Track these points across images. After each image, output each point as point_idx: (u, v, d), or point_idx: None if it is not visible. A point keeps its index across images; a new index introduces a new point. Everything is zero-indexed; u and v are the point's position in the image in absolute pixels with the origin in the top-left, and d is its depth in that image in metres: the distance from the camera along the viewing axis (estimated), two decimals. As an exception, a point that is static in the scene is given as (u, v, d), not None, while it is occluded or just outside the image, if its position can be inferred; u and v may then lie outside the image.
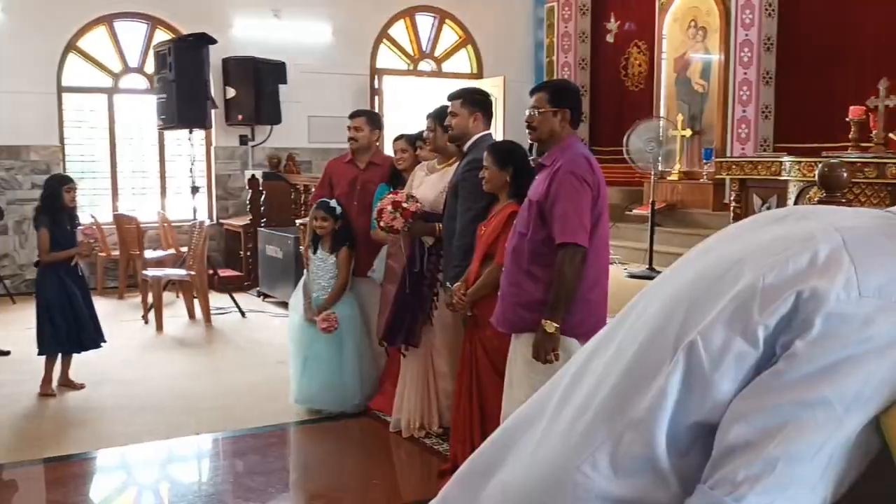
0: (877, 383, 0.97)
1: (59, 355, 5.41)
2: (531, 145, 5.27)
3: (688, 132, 9.18)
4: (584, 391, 1.15)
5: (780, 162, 6.35)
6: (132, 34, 9.59)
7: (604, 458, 1.06)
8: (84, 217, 7.97)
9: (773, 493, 0.95)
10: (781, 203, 6.19)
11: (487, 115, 4.22)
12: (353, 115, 5.29)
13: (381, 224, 4.32)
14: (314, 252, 4.98)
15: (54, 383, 5.40)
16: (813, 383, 0.96)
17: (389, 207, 4.29)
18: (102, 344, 5.55)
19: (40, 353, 5.36)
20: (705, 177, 8.95)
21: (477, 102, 4.17)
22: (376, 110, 10.43)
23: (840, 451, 0.98)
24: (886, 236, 1.06)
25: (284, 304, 8.01)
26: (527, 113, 3.43)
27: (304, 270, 5.16)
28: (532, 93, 3.46)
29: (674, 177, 9.28)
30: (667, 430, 1.03)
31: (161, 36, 9.44)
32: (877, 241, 1.04)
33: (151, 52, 9.05)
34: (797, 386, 0.97)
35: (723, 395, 1.02)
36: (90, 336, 5.44)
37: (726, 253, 1.12)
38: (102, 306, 7.76)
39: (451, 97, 4.22)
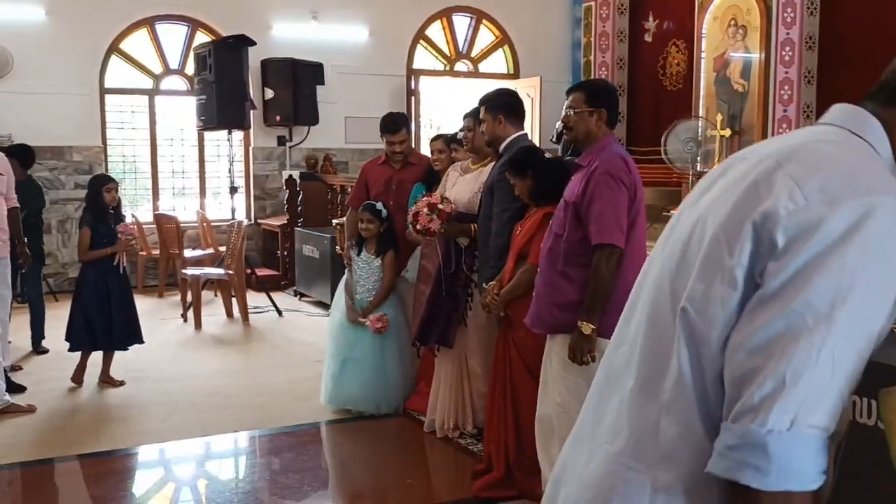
0: (850, 272, 0.99)
1: (94, 351, 5.50)
2: (564, 144, 5.26)
3: (727, 132, 9.05)
4: (614, 395, 1.20)
5: (822, 162, 6.25)
6: (173, 36, 9.73)
7: (648, 449, 1.11)
8: (126, 217, 8.10)
9: (792, 406, 0.98)
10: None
11: (513, 115, 4.14)
12: (394, 130, 5.11)
13: (418, 227, 4.30)
14: (358, 254, 5.00)
15: (92, 379, 5.49)
16: (790, 291, 1.00)
17: (426, 210, 4.27)
18: (131, 346, 5.61)
19: (70, 349, 5.48)
20: (745, 177, 8.84)
21: (498, 105, 4.12)
22: (412, 111, 10.47)
23: (843, 346, 1.00)
24: (817, 142, 1.11)
25: (321, 304, 8.07)
26: (563, 113, 3.41)
27: (346, 271, 5.18)
28: (569, 93, 3.44)
29: (712, 177, 9.17)
30: (696, 399, 1.08)
31: (201, 38, 9.56)
32: (808, 150, 1.09)
33: (192, 54, 9.18)
34: (777, 298, 1.00)
35: (721, 343, 1.06)
36: (121, 336, 5.50)
37: (690, 217, 1.18)
38: (143, 305, 7.87)
39: (479, 103, 4.22)
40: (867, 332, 1.02)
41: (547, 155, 4.10)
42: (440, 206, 4.27)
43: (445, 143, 4.93)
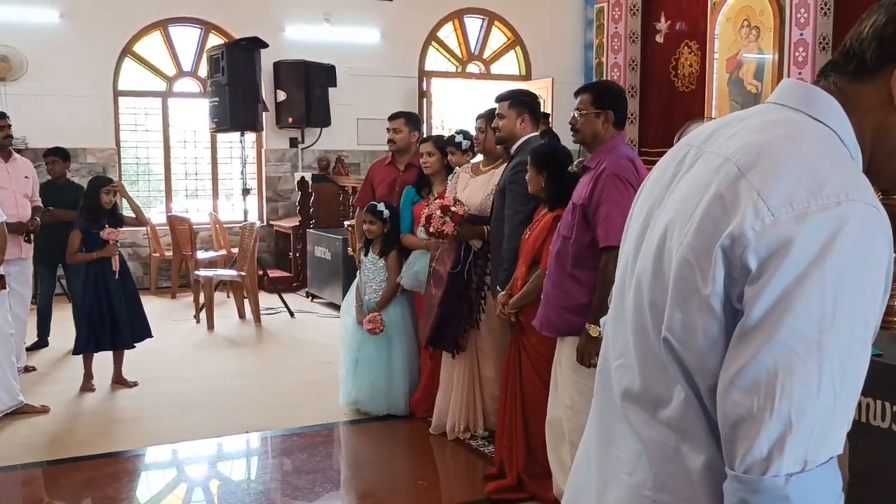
0: (831, 294, 0.94)
1: (98, 352, 5.53)
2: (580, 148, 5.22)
3: (740, 133, 9.03)
4: (619, 418, 1.16)
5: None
6: (186, 39, 9.77)
7: (672, 480, 1.06)
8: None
9: (801, 445, 0.93)
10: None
11: (535, 116, 4.19)
12: (392, 117, 5.31)
13: (431, 230, 4.26)
14: (365, 255, 5.01)
15: (105, 380, 5.53)
16: (773, 321, 0.94)
17: (438, 212, 4.24)
18: (141, 343, 5.63)
19: (74, 353, 5.52)
20: (758, 179, 8.80)
21: (524, 104, 4.14)
22: (424, 113, 10.47)
23: (839, 367, 0.95)
24: (778, 139, 1.03)
25: (333, 305, 8.09)
26: (571, 115, 3.41)
27: (357, 273, 5.19)
28: (576, 95, 3.43)
29: (725, 179, 9.14)
30: (710, 424, 1.03)
31: (214, 40, 9.61)
32: (770, 153, 1.02)
33: (205, 57, 9.22)
34: (761, 329, 0.95)
35: (711, 372, 1.02)
36: (126, 335, 5.50)
37: (660, 222, 1.11)
38: (155, 306, 7.94)
39: (499, 99, 4.19)
40: (860, 344, 0.97)
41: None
42: (453, 209, 4.25)
43: (435, 144, 4.89)
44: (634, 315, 1.12)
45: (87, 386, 5.49)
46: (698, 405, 1.04)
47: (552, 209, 3.65)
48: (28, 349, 6.47)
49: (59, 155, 6.55)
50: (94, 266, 5.42)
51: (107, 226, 5.40)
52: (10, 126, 6.00)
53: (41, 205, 6.06)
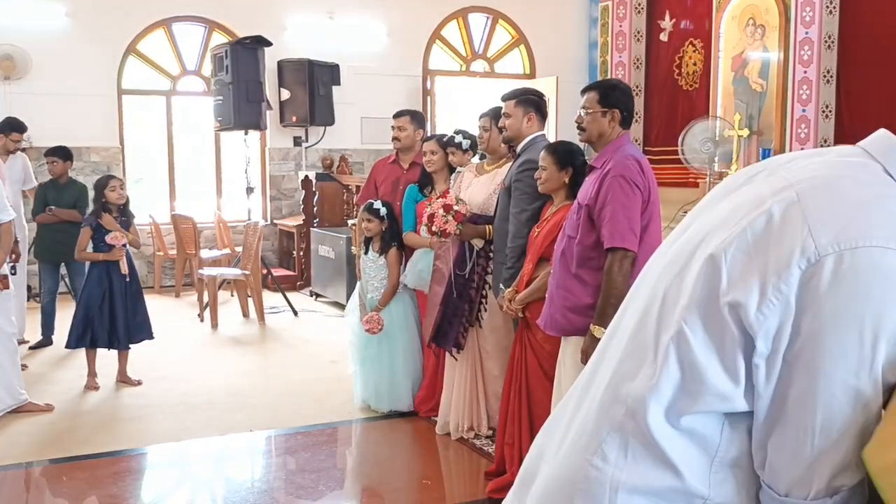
0: (872, 336, 0.92)
1: (93, 349, 5.53)
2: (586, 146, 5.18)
3: (745, 132, 8.99)
4: (596, 386, 1.14)
5: (841, 162, 6.19)
6: (190, 37, 9.78)
7: (612, 450, 1.05)
8: (142, 217, 8.16)
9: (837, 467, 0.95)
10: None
11: (542, 115, 4.17)
12: (396, 115, 5.31)
13: (433, 229, 4.26)
14: (365, 253, 5.02)
15: (109, 379, 5.52)
16: (812, 367, 0.93)
17: (441, 211, 4.24)
18: (141, 343, 5.61)
19: (66, 346, 5.53)
20: (763, 178, 8.78)
21: (531, 103, 4.13)
22: (428, 111, 10.46)
23: (873, 395, 0.94)
24: (842, 178, 1.01)
25: (336, 304, 8.09)
26: (577, 113, 3.39)
27: (358, 272, 5.21)
28: (583, 92, 3.42)
29: (730, 178, 9.13)
30: (664, 417, 1.02)
31: (218, 39, 9.61)
32: (833, 187, 1.00)
33: (209, 55, 9.22)
34: (799, 377, 0.94)
35: (715, 383, 0.99)
36: (125, 335, 5.48)
37: (700, 225, 1.10)
38: (159, 304, 7.95)
39: (505, 98, 4.18)
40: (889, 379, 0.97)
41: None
42: (456, 208, 4.25)
43: (438, 143, 4.89)
44: (642, 308, 1.11)
45: (91, 384, 5.50)
46: (662, 396, 1.03)
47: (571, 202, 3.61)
48: (32, 347, 6.50)
49: (59, 155, 6.55)
50: (100, 264, 5.42)
51: (111, 225, 5.41)
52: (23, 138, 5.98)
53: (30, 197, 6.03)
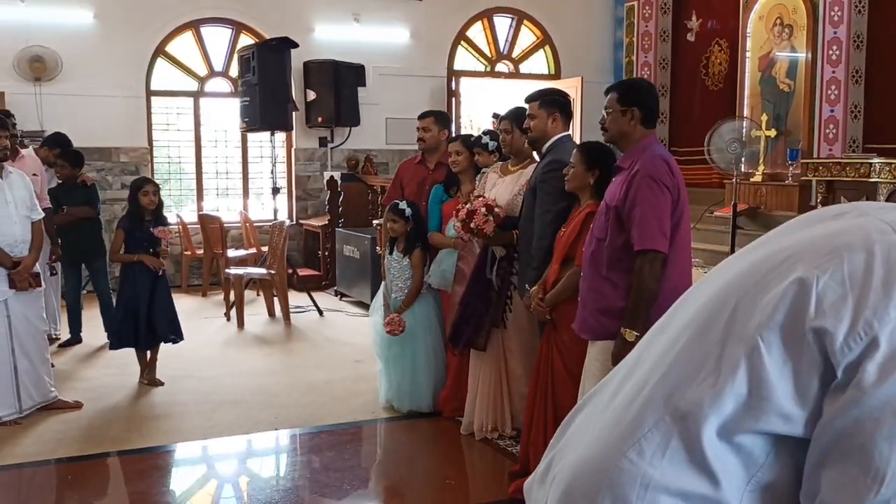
0: None
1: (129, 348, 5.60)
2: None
3: (772, 132, 8.93)
4: (638, 378, 1.13)
5: (870, 163, 6.13)
6: (217, 39, 9.86)
7: (650, 447, 1.04)
8: (170, 217, 8.23)
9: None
10: (871, 206, 5.96)
11: (566, 115, 4.16)
12: (421, 116, 5.34)
13: (472, 225, 4.23)
14: (390, 253, 5.03)
15: (135, 377, 5.61)
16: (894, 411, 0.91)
17: (483, 209, 4.22)
18: (169, 344, 5.65)
19: (110, 348, 5.62)
20: (790, 178, 8.69)
21: (555, 103, 4.12)
22: (453, 112, 10.48)
23: None
24: None
25: (361, 304, 8.12)
26: (602, 114, 3.39)
27: (382, 273, 5.23)
28: (606, 93, 3.41)
29: (757, 178, 9.04)
30: (716, 427, 1.01)
31: (245, 40, 9.68)
32: None
33: (236, 57, 9.29)
34: (882, 418, 0.92)
35: (782, 403, 0.98)
36: (146, 337, 5.53)
37: (783, 244, 1.08)
38: (187, 303, 8.02)
39: (529, 99, 4.17)
40: None
41: None
42: (496, 210, 4.25)
43: (464, 144, 4.90)
44: (710, 307, 1.09)
45: (154, 381, 5.56)
46: (721, 405, 1.01)
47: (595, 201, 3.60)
48: (61, 346, 6.58)
49: (67, 160, 6.59)
50: (134, 264, 5.47)
51: (153, 227, 5.49)
52: (11, 132, 5.91)
53: (49, 205, 6.07)
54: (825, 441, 0.96)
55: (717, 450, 1.01)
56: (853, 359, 0.94)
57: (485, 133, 4.87)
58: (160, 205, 5.61)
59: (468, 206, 4.30)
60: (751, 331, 1.00)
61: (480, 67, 11.04)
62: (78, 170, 6.63)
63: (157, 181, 8.67)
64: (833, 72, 8.37)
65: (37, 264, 4.96)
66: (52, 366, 5.39)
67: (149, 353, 5.63)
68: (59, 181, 6.60)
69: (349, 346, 6.64)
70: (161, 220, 5.61)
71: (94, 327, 6.71)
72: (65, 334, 6.76)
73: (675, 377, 1.06)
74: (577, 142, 4.16)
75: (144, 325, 5.47)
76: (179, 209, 9.65)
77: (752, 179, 8.98)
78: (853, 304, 0.95)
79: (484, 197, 4.36)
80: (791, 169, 8.66)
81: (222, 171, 10.15)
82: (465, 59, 10.89)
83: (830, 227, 1.06)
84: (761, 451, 1.01)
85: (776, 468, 1.01)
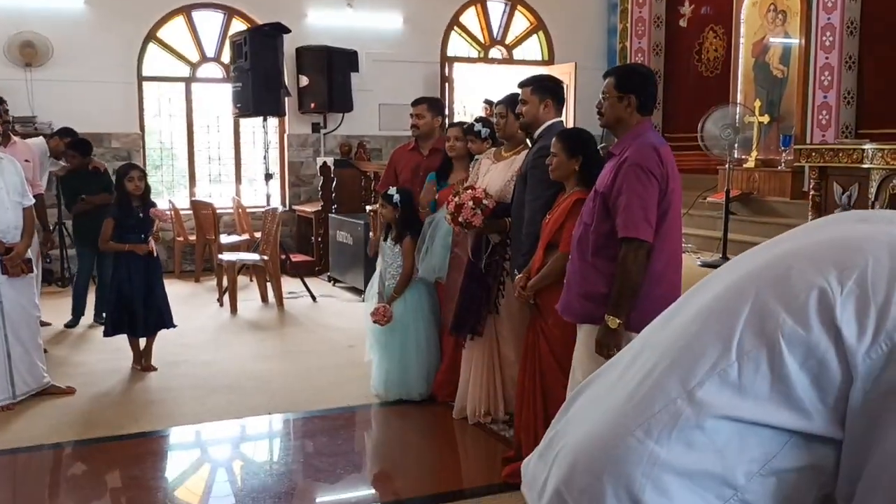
0: None
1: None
2: (604, 132, 5.18)
3: (766, 118, 8.93)
4: (646, 361, 1.14)
5: (863, 149, 6.13)
6: (209, 24, 9.81)
7: (658, 426, 1.05)
8: (162, 203, 8.22)
9: None
10: (863, 192, 5.98)
11: (559, 101, 4.16)
12: (414, 103, 5.34)
13: (460, 219, 4.26)
14: (384, 240, 5.02)
15: (128, 361, 5.62)
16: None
17: (471, 203, 4.23)
18: (154, 334, 5.64)
19: (104, 335, 5.60)
20: (783, 164, 8.71)
21: (548, 89, 4.12)
22: (446, 98, 10.46)
23: None
24: None
25: (354, 290, 8.12)
26: (598, 99, 3.38)
27: (379, 258, 5.20)
28: (604, 78, 3.40)
29: (750, 164, 9.05)
30: (732, 415, 1.02)
31: (237, 26, 9.64)
32: None
33: (228, 42, 9.25)
34: (891, 428, 0.92)
35: (801, 398, 0.99)
36: (142, 324, 5.52)
37: (808, 241, 1.08)
38: (179, 289, 8.01)
39: (522, 84, 4.17)
40: None
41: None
42: (485, 202, 4.26)
43: (462, 130, 4.90)
44: (728, 295, 1.10)
45: (148, 367, 5.57)
46: (732, 391, 1.03)
47: (582, 188, 3.60)
48: (67, 325, 6.66)
49: (77, 150, 6.59)
50: (124, 253, 5.46)
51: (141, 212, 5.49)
52: (3, 119, 5.97)
53: (42, 191, 6.07)
54: (852, 450, 0.95)
55: (727, 433, 1.01)
56: (874, 368, 0.94)
57: (477, 120, 4.87)
58: (147, 190, 5.58)
59: (456, 199, 4.31)
60: (771, 328, 1.01)
61: (474, 53, 11.01)
62: (88, 157, 6.67)
63: (150, 167, 8.67)
64: (826, 58, 8.37)
65: (29, 250, 4.95)
66: (45, 351, 5.39)
67: (144, 340, 5.62)
68: (70, 169, 6.63)
69: (342, 332, 6.64)
70: (149, 206, 5.58)
71: (88, 312, 6.73)
72: (65, 316, 6.77)
73: (689, 361, 1.07)
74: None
75: (142, 312, 5.46)
76: (172, 195, 9.62)
77: (745, 165, 8.99)
78: (876, 315, 0.95)
79: (473, 189, 4.35)
80: (784, 155, 8.67)
81: (215, 156, 10.12)
82: (458, 45, 10.86)
83: (856, 232, 1.06)
84: (776, 442, 1.01)
85: (793, 460, 1.02)
